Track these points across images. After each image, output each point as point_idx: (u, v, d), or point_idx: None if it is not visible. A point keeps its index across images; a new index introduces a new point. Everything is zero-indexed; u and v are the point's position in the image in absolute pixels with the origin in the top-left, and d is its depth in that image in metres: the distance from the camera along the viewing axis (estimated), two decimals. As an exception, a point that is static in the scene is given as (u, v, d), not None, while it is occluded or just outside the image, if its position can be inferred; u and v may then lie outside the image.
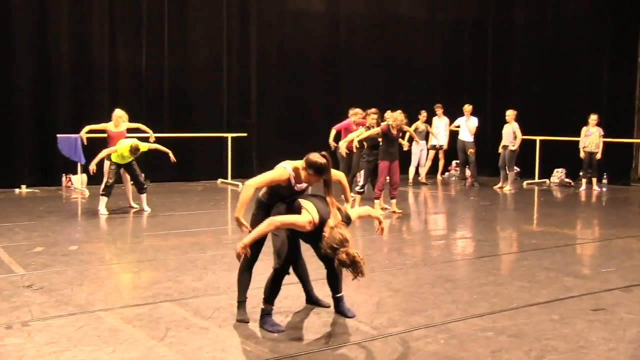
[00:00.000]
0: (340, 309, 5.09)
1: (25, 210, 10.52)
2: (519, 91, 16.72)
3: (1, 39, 12.94)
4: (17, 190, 12.80)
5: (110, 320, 4.99)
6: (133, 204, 10.59)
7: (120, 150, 9.84)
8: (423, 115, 15.27)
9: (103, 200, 9.98)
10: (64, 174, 13.47)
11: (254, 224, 4.95)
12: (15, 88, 13.11)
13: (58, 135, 12.26)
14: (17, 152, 13.17)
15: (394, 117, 10.32)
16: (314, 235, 4.61)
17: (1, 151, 13.00)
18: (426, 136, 15.52)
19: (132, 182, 10.44)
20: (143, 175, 10.72)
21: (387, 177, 10.45)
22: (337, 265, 4.45)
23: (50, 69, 13.50)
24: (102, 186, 10.09)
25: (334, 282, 5.07)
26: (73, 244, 7.94)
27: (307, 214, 4.61)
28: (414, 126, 15.35)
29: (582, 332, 4.83)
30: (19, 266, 6.64)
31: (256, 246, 4.93)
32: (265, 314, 4.80)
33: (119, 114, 10.51)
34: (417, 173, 15.44)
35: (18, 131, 13.19)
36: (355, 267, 4.37)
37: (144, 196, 10.35)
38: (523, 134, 14.11)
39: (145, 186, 10.39)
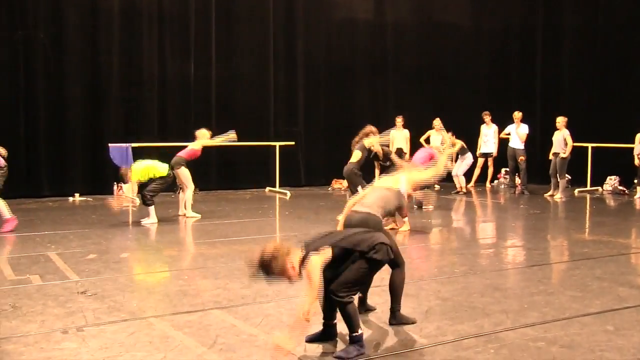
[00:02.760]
0: (399, 319, 5.08)
1: (79, 218, 10.78)
2: (570, 97, 16.45)
3: (55, 54, 13.33)
4: (70, 199, 13.15)
5: (161, 326, 5.06)
6: (186, 212, 10.77)
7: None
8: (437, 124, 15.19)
9: (150, 209, 10.13)
10: (115, 183, 13.74)
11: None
12: (68, 100, 13.49)
13: (110, 144, 12.53)
14: (70, 162, 13.54)
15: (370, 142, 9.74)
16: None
17: (55, 161, 13.39)
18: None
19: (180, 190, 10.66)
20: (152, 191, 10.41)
21: None
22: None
23: (101, 81, 13.86)
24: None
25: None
26: (124, 251, 8.10)
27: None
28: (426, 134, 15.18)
29: (639, 344, 4.71)
30: (73, 272, 6.81)
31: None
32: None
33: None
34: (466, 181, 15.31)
35: (71, 142, 13.57)
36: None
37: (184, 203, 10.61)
38: (574, 141, 13.88)
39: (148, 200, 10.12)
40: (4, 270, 6.91)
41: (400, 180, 5.56)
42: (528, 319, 5.27)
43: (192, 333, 4.89)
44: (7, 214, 9.25)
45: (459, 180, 14.82)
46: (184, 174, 10.64)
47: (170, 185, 10.57)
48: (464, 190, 14.84)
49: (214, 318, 5.27)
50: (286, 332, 4.39)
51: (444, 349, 4.58)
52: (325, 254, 4.33)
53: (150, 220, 10.04)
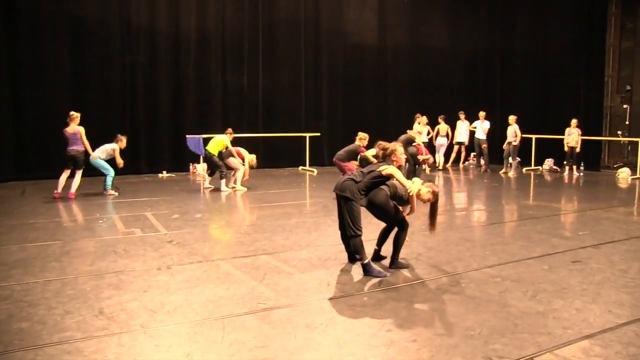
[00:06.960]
0: (397, 265, 5.07)
1: (166, 189, 10.88)
2: (520, 102, 16.20)
3: (150, 71, 13.37)
4: (160, 175, 13.26)
5: (225, 267, 5.14)
6: (236, 186, 10.67)
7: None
8: (441, 118, 15.26)
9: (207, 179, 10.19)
10: (190, 163, 13.85)
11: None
12: (159, 104, 13.56)
13: (187, 135, 12.59)
14: (160, 147, 13.62)
15: None
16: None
17: (150, 146, 13.49)
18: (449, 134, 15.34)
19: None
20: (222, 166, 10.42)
21: None
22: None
23: (182, 90, 13.87)
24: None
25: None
26: (198, 212, 8.19)
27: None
28: (436, 129, 15.20)
29: (564, 278, 4.71)
30: (163, 227, 6.92)
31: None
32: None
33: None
34: (445, 161, 15.34)
35: (161, 133, 13.64)
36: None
37: (223, 180, 10.41)
38: (522, 133, 13.73)
39: (223, 172, 10.27)
40: (117, 225, 7.06)
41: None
42: (489, 261, 5.27)
43: (247, 271, 4.96)
44: (73, 189, 9.06)
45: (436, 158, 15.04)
46: (232, 162, 10.55)
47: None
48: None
49: (263, 261, 5.34)
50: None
51: (429, 284, 4.61)
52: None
53: (224, 189, 10.25)
